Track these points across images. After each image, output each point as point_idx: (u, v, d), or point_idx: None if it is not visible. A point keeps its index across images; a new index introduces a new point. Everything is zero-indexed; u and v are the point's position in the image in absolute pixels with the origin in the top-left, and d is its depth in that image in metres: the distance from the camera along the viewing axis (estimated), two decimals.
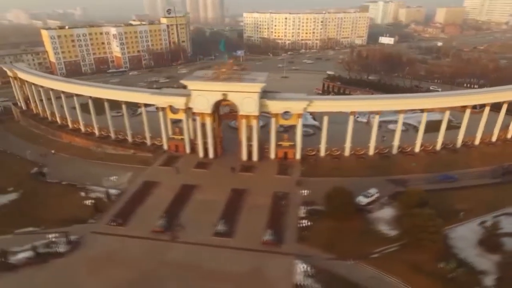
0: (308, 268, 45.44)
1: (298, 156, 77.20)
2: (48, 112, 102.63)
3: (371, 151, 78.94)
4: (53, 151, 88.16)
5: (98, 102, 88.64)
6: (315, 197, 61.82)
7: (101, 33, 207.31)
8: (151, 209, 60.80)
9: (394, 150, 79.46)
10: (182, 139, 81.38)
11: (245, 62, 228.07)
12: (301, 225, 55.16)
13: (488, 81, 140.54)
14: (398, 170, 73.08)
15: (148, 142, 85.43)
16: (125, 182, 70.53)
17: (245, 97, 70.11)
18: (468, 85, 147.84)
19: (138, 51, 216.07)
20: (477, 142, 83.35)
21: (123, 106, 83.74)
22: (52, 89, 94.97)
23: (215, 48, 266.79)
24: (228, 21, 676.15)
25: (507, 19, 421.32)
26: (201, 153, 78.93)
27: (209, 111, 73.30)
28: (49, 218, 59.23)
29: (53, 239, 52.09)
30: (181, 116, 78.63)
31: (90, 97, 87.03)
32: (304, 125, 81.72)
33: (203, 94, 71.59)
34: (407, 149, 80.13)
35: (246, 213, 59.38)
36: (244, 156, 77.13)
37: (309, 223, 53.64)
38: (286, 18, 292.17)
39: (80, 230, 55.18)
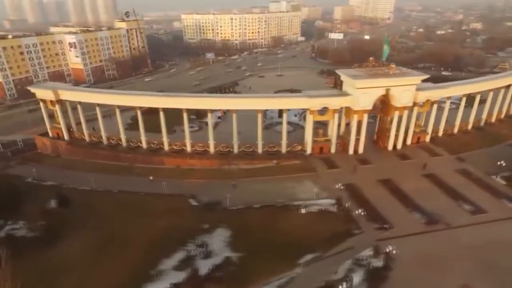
0: None
1: (428, 139, 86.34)
2: (123, 138, 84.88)
3: (469, 126, 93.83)
4: (151, 178, 75.09)
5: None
6: (487, 166, 72.69)
7: (53, 42, 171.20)
8: (387, 206, 60.94)
9: (482, 123, 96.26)
10: (327, 140, 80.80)
11: (215, 63, 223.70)
12: None
13: (447, 66, 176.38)
14: (502, 137, 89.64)
15: (283, 149, 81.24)
16: (318, 191, 67.05)
17: (404, 89, 75.18)
18: (433, 68, 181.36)
19: (101, 61, 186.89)
20: None
21: (259, 116, 77.43)
22: (140, 108, 79.77)
23: (170, 53, 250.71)
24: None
25: (388, 15, 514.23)
26: (351, 150, 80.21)
27: (370, 107, 75.66)
28: (306, 241, 53.49)
29: (362, 257, 48.99)
30: (329, 117, 78.22)
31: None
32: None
33: (369, 91, 73.54)
34: (488, 121, 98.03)
35: (463, 190, 65.41)
36: (391, 146, 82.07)
37: None
38: (231, 19, 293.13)
39: (361, 242, 52.57)
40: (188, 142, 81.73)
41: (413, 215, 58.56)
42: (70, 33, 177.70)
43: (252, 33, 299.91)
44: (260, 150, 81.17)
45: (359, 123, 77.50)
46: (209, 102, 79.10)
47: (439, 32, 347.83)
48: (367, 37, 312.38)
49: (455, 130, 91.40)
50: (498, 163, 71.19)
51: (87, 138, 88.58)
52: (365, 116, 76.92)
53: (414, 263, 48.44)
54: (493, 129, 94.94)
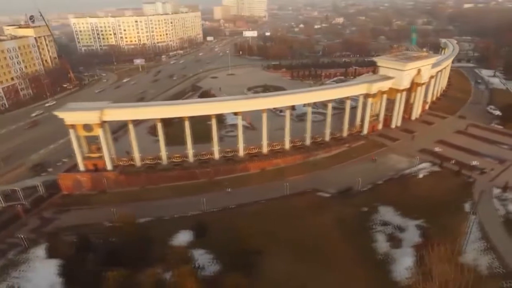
0: None
1: (427, 107, 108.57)
2: (190, 153, 75.57)
3: (439, 94, 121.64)
4: (228, 190, 72.59)
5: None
6: (479, 118, 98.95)
7: None
8: (465, 158, 76.35)
9: (441, 91, 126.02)
10: (375, 119, 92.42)
11: (148, 69, 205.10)
12: None
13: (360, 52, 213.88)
14: (463, 99, 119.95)
15: (345, 134, 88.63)
16: (412, 159, 77.72)
17: (427, 68, 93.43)
18: (351, 56, 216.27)
19: (12, 79, 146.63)
20: None
21: (330, 105, 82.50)
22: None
23: (79, 63, 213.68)
24: None
25: (264, 14, 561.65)
26: (394, 124, 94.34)
27: (409, 86, 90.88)
28: (448, 196, 64.14)
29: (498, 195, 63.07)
30: (378, 98, 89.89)
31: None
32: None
33: (410, 72, 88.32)
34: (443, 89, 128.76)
35: (488, 136, 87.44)
36: (414, 116, 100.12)
37: None
38: (136, 22, 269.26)
39: (483, 186, 66.68)
40: (265, 144, 79.75)
41: (487, 160, 76.46)
42: None
43: (161, 35, 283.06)
44: (327, 138, 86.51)
45: (400, 101, 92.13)
46: (289, 99, 79.53)
47: (316, 27, 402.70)
48: (267, 33, 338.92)
49: (434, 98, 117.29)
50: (494, 113, 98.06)
51: (138, 162, 74.64)
52: (404, 94, 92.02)
53: None
54: (450, 94, 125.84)
